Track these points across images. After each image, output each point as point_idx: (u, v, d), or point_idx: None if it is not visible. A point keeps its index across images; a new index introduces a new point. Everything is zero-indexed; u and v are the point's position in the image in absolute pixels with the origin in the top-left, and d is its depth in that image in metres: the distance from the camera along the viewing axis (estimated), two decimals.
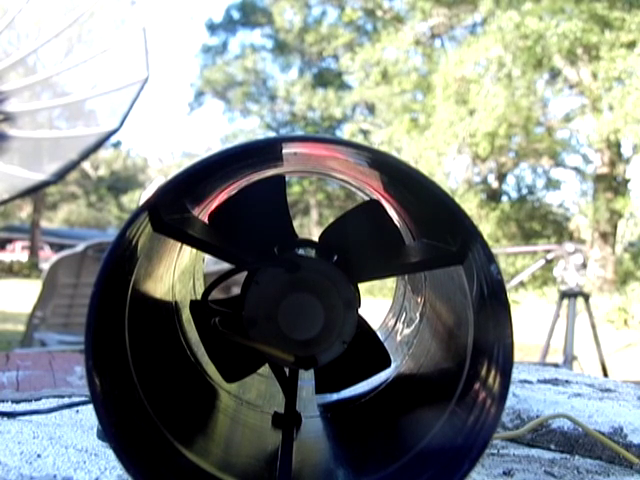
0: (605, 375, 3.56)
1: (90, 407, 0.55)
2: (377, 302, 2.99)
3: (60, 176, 4.03)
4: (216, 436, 0.50)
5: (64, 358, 0.91)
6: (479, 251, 0.40)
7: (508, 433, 0.53)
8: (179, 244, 0.52)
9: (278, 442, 0.46)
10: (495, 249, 6.18)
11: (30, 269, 14.56)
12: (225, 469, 0.42)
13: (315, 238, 0.56)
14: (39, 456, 0.40)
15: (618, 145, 11.75)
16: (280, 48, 17.41)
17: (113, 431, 0.37)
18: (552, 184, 14.59)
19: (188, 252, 0.58)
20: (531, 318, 7.24)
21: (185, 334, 0.56)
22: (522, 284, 9.87)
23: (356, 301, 0.47)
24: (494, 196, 14.03)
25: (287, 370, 0.52)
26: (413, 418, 0.49)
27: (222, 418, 0.53)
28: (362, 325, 0.50)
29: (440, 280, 0.50)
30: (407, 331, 0.63)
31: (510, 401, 0.53)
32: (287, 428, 0.47)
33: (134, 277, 0.44)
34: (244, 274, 0.52)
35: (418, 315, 0.60)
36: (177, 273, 0.55)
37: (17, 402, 0.55)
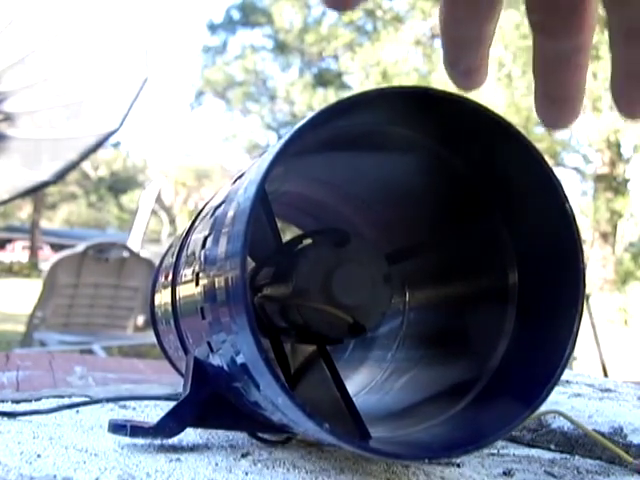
0: (605, 375, 3.56)
1: (90, 407, 0.55)
2: None
3: (60, 176, 4.04)
4: None
5: (64, 358, 0.91)
6: None
7: None
8: None
9: None
10: None
11: (30, 269, 14.56)
12: None
13: None
14: (39, 456, 0.40)
15: (618, 145, 11.75)
16: (280, 48, 17.42)
17: None
18: None
19: None
20: None
21: None
22: None
23: (391, 276, 0.50)
24: None
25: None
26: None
27: None
28: None
29: None
30: None
31: None
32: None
33: None
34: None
35: None
36: None
37: (17, 402, 0.55)
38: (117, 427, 0.44)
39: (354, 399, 0.47)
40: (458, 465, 0.44)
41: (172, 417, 0.44)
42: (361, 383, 0.57)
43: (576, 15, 0.31)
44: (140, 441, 0.44)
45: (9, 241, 19.87)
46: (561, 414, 0.48)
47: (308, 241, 0.51)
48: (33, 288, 5.59)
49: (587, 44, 0.33)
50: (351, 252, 0.48)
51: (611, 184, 12.06)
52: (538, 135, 12.44)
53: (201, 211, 0.52)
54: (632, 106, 0.34)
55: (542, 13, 0.31)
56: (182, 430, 0.44)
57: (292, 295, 0.47)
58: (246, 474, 0.41)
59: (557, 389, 0.57)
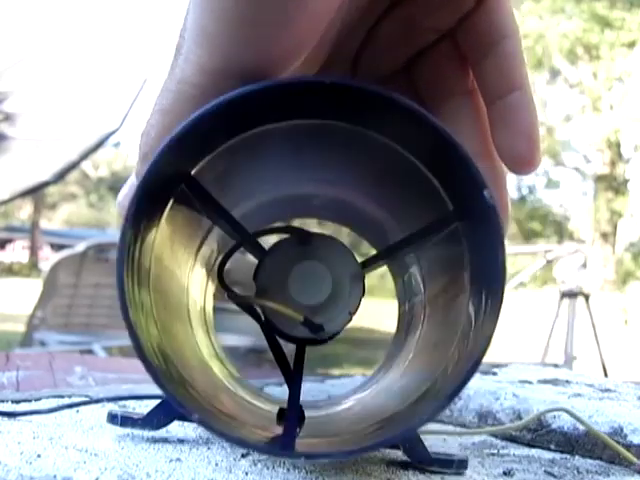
0: (605, 375, 3.57)
1: (90, 407, 0.55)
2: (377, 303, 2.99)
3: (60, 176, 4.04)
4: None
5: (64, 358, 0.91)
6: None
7: (506, 426, 0.53)
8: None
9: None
10: None
11: (30, 269, 14.56)
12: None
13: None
14: (39, 456, 0.40)
15: (618, 145, 11.76)
16: None
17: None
18: (552, 184, 14.61)
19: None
20: (531, 318, 7.25)
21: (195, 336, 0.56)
22: (522, 284, 9.88)
23: (362, 275, 0.49)
24: None
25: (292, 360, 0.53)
26: None
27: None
28: None
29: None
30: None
31: (510, 401, 0.53)
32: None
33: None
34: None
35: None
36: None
37: (17, 402, 0.55)
38: (112, 417, 0.45)
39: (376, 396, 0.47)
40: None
41: (161, 409, 0.44)
42: (382, 384, 0.57)
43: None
44: (137, 432, 0.45)
45: (9, 241, 19.87)
46: (567, 411, 0.48)
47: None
48: (33, 288, 5.59)
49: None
50: (314, 251, 0.48)
51: (611, 184, 12.07)
52: None
53: None
54: (520, 163, 0.37)
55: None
56: (170, 422, 0.45)
57: (256, 293, 0.47)
58: (246, 474, 0.41)
59: (557, 389, 0.56)
